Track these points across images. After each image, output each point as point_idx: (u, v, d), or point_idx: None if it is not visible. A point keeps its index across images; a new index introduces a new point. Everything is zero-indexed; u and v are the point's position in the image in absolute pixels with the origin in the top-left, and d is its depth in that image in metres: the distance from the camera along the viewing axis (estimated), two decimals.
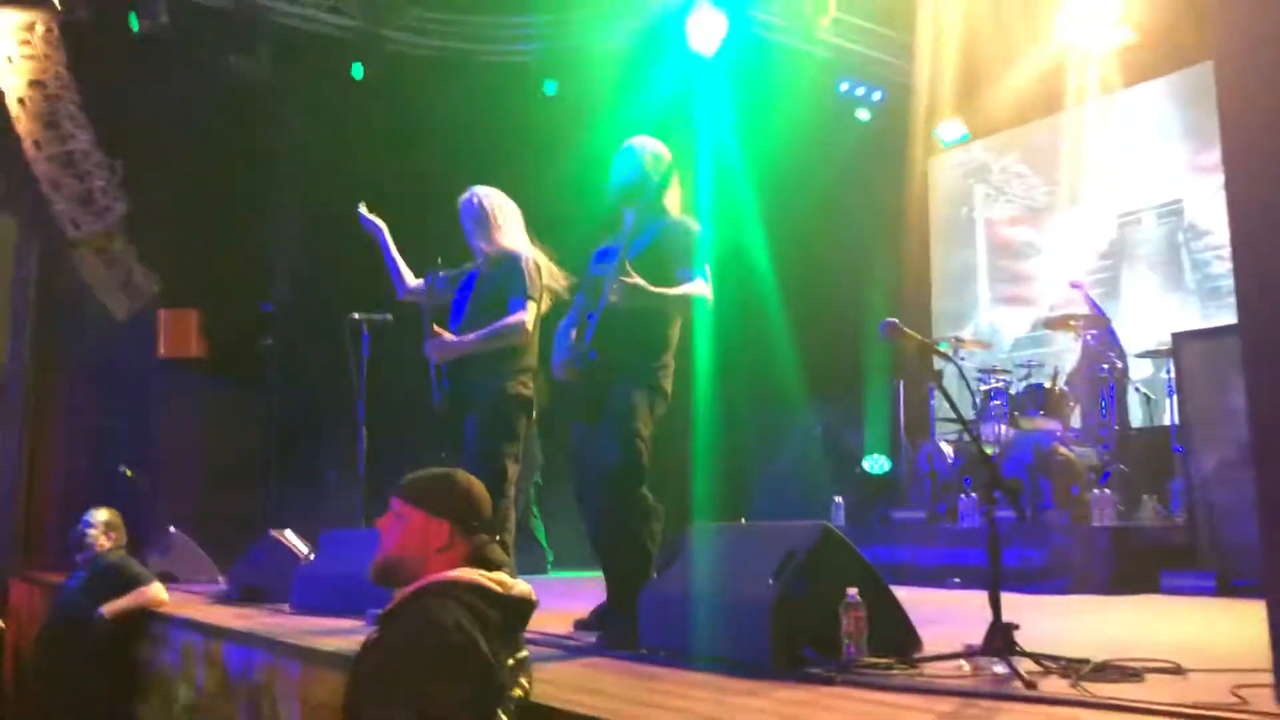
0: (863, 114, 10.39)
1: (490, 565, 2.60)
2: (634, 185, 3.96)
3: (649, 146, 4.04)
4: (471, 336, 4.19)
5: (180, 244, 8.61)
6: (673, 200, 4.02)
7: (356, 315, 6.18)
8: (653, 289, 3.71)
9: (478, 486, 2.71)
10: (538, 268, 4.32)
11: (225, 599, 5.82)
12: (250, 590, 5.69)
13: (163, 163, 8.51)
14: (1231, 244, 2.43)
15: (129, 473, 7.54)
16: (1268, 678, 2.21)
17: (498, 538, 2.69)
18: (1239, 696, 2.24)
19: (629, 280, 3.67)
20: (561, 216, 5.72)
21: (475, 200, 4.43)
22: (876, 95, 10.43)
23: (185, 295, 8.72)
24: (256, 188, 9.12)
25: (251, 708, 4.06)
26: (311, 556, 5.55)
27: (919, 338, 3.07)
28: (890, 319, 3.00)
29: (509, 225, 4.42)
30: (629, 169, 3.99)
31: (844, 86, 10.29)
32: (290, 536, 5.79)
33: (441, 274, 4.51)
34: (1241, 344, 2.38)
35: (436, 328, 4.25)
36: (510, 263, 4.28)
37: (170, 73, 8.30)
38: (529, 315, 4.20)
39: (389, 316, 6.23)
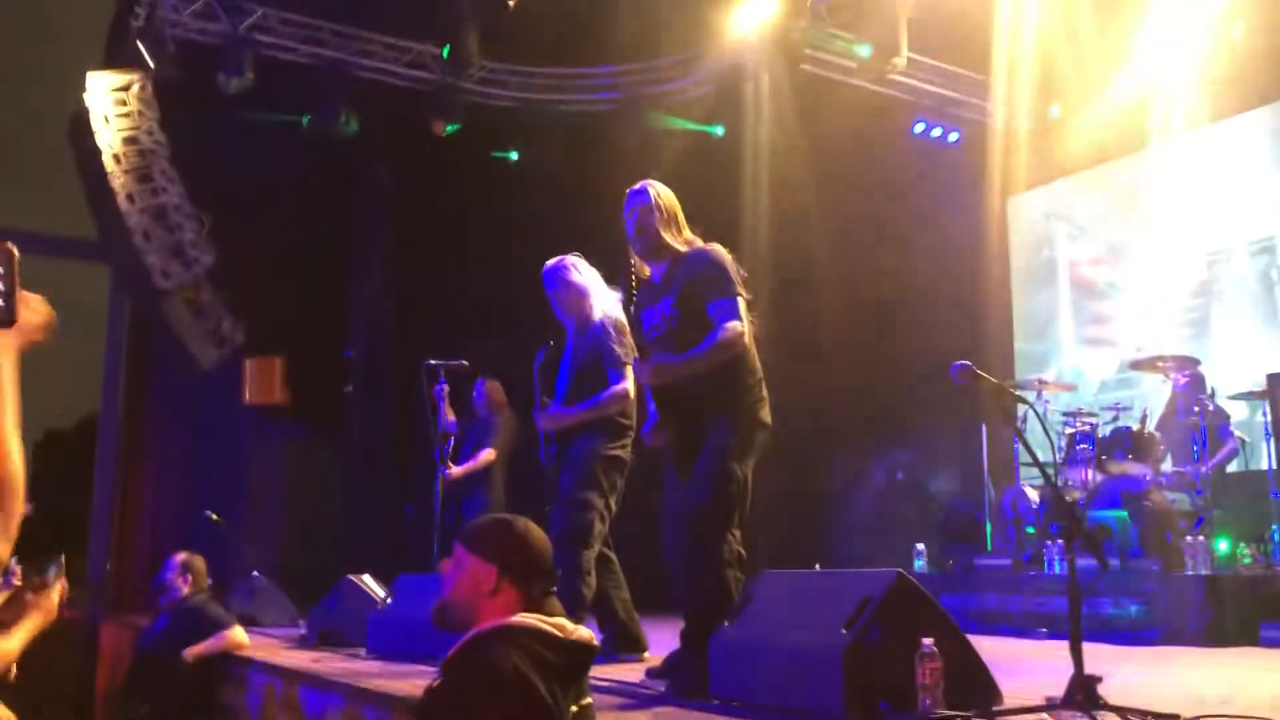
0: (940, 153, 10.31)
1: (546, 612, 2.56)
2: (647, 228, 3.84)
3: (654, 187, 3.91)
4: (577, 408, 4.48)
5: (264, 293, 8.85)
6: (692, 234, 3.91)
7: (433, 360, 6.28)
8: (675, 363, 3.63)
9: (535, 533, 2.65)
10: (619, 330, 4.44)
11: (303, 643, 5.88)
12: (327, 634, 5.74)
13: (248, 215, 8.79)
14: None
15: (215, 518, 7.69)
16: None
17: (554, 589, 2.64)
18: None
19: (657, 367, 3.65)
20: None
21: (556, 274, 4.60)
22: (953, 136, 10.35)
23: (269, 344, 8.95)
24: (338, 238, 9.38)
25: None
26: (388, 600, 5.58)
27: (992, 380, 2.99)
28: (962, 361, 2.93)
29: (591, 292, 4.57)
30: (639, 211, 3.86)
31: (919, 127, 10.23)
32: (368, 580, 5.83)
33: (547, 346, 4.77)
34: None
35: (544, 400, 4.52)
36: (594, 332, 4.50)
37: (255, 128, 8.60)
38: (629, 383, 4.44)
39: (465, 363, 6.32)
